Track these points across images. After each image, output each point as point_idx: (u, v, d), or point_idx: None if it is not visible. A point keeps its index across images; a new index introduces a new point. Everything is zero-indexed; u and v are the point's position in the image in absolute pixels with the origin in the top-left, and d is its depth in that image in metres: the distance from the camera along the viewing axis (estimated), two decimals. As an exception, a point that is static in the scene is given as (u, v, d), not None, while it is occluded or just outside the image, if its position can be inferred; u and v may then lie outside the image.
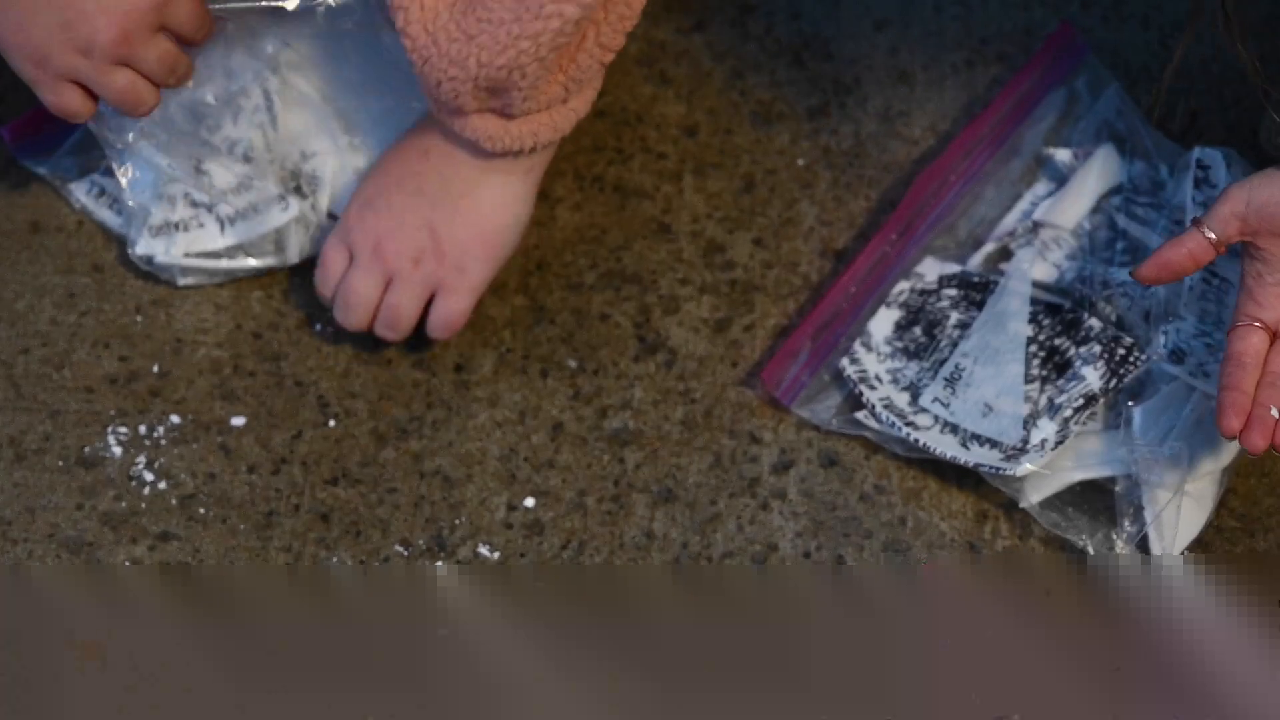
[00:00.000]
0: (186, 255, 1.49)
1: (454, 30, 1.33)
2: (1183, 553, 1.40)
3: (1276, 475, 1.43)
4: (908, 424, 1.42)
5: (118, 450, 1.44)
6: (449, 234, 1.42)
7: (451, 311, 1.43)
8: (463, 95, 1.35)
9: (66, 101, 1.37)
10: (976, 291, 1.47)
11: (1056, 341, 1.44)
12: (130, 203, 1.50)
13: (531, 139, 1.39)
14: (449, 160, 1.42)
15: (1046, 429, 1.40)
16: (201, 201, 1.48)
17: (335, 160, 1.50)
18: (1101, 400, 1.41)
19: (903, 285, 1.48)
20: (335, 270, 1.44)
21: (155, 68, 1.37)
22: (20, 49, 1.35)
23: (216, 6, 1.45)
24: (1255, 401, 1.27)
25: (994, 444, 1.40)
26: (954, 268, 1.49)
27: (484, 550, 1.40)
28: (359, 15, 1.45)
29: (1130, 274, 1.37)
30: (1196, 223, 1.31)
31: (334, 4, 1.45)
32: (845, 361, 1.45)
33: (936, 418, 1.42)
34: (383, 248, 1.42)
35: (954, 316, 1.46)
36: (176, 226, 1.48)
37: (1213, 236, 1.30)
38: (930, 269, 1.49)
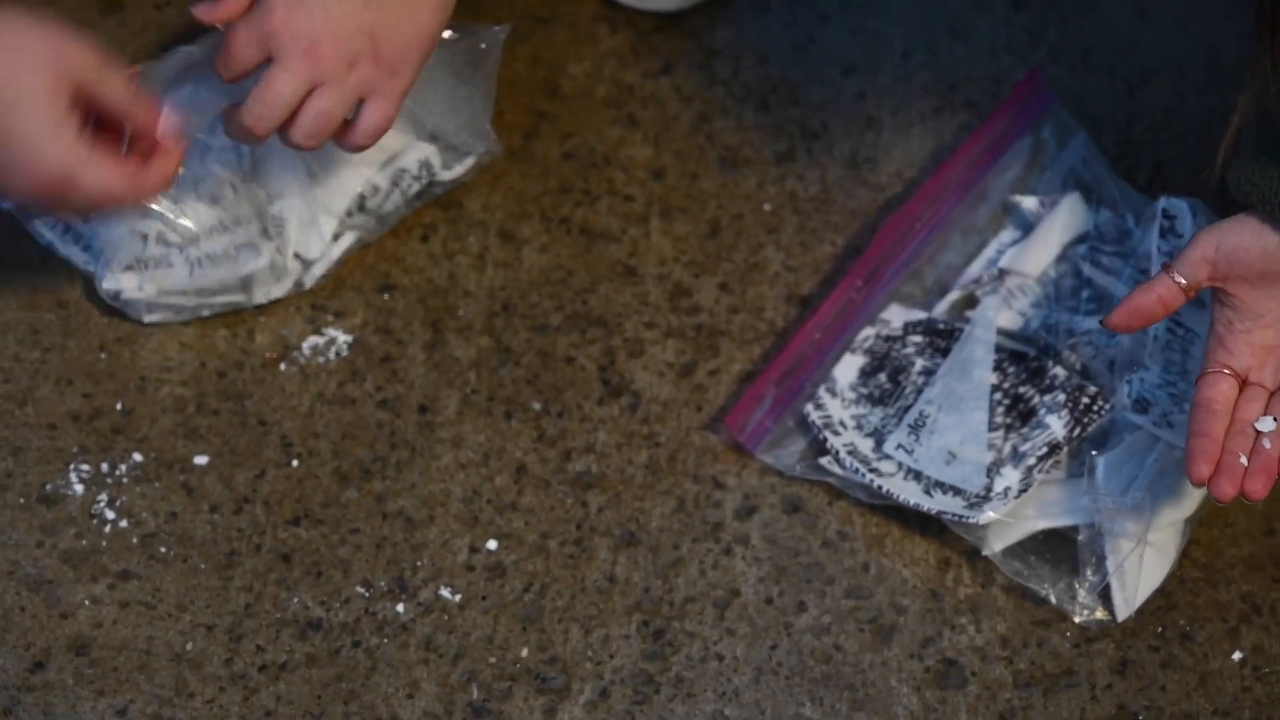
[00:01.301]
0: (153, 294, 1.49)
1: None
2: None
3: (1239, 526, 1.42)
4: (871, 470, 1.41)
5: (79, 488, 1.43)
6: (388, 38, 1.38)
7: (382, 117, 1.41)
8: None
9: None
10: (942, 338, 1.47)
11: (1021, 389, 1.44)
12: (100, 238, 1.49)
13: None
14: None
15: (1010, 477, 1.40)
16: (171, 241, 1.47)
17: (301, 201, 1.49)
18: (1065, 449, 1.41)
19: (868, 331, 1.47)
20: (244, 62, 1.38)
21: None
22: None
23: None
24: (1224, 449, 1.27)
25: (957, 491, 1.40)
26: (919, 314, 1.48)
27: (445, 592, 1.40)
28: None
29: (1101, 321, 1.37)
30: (1166, 268, 1.31)
31: None
32: (810, 407, 1.45)
33: (900, 464, 1.42)
34: (317, 51, 1.37)
35: (919, 363, 1.46)
36: (145, 264, 1.48)
37: (1183, 281, 1.29)
38: (896, 315, 1.48)
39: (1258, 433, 1.28)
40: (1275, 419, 1.28)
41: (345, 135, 1.41)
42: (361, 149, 1.41)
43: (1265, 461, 1.27)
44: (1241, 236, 1.28)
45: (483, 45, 1.50)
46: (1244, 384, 1.30)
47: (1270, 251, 1.27)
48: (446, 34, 1.49)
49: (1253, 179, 1.28)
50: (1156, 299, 1.30)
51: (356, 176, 1.51)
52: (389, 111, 1.40)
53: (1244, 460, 1.27)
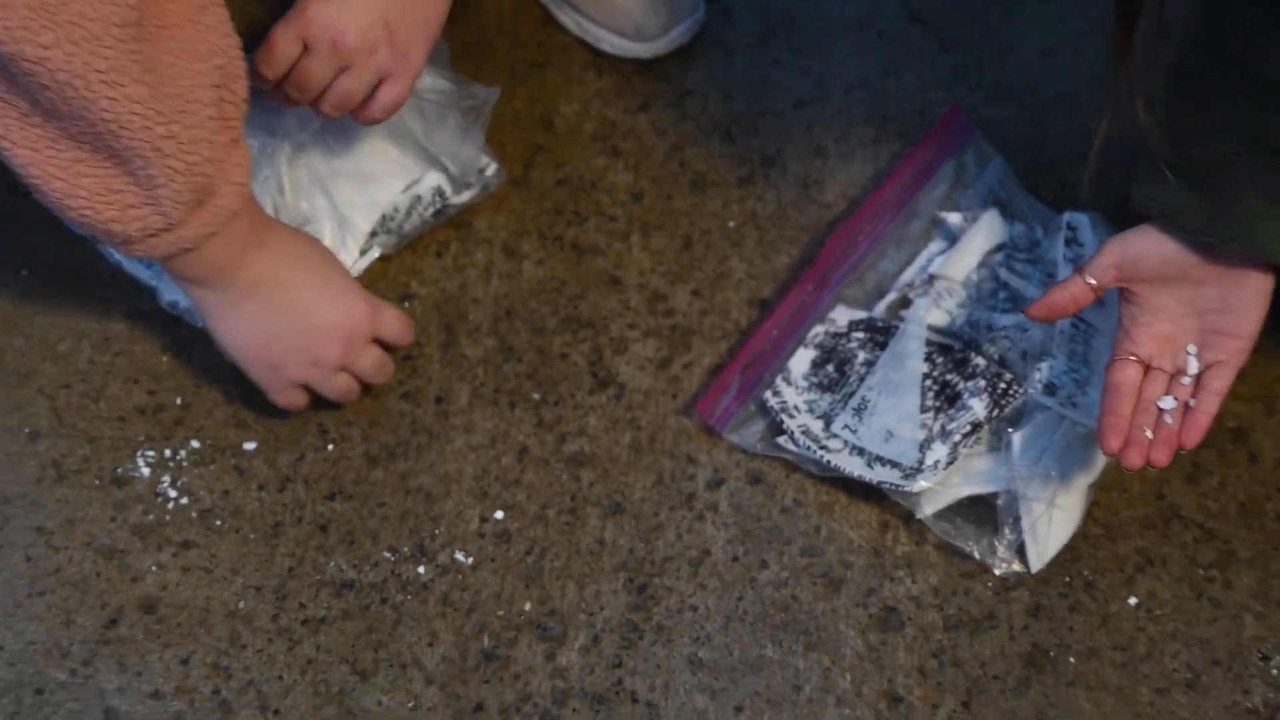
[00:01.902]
0: None
1: None
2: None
3: (1135, 490, 1.44)
4: (822, 448, 1.42)
5: (146, 471, 1.44)
6: (400, 27, 1.38)
7: (397, 94, 1.41)
8: None
9: (294, 400, 1.42)
10: (880, 335, 1.47)
11: (948, 377, 1.44)
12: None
13: None
14: None
15: (939, 451, 1.40)
16: None
17: (332, 221, 1.49)
18: (986, 427, 1.41)
19: (818, 329, 1.48)
20: (285, 55, 1.38)
21: (368, 369, 1.43)
22: (258, 359, 1.39)
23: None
24: (1132, 425, 1.28)
25: (895, 464, 1.41)
26: (862, 314, 1.48)
27: (459, 556, 1.41)
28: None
29: (1023, 310, 1.38)
30: (1079, 270, 1.30)
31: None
32: (769, 394, 1.45)
33: (846, 442, 1.42)
34: (343, 40, 1.36)
35: (861, 356, 1.46)
36: None
37: (1093, 282, 1.29)
38: (841, 315, 1.48)
39: (1160, 410, 1.28)
40: (1175, 398, 1.28)
41: (365, 109, 1.41)
42: (377, 121, 1.42)
43: (1167, 434, 1.27)
44: (1143, 244, 1.28)
45: (481, 101, 1.51)
46: (1148, 369, 1.30)
47: (1167, 256, 1.27)
48: (449, 88, 1.50)
49: (1152, 195, 1.27)
50: (1069, 296, 1.30)
51: (380, 200, 1.51)
52: (403, 90, 1.40)
53: (1149, 434, 1.27)
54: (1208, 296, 1.28)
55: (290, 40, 1.37)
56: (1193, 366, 1.29)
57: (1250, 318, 1.27)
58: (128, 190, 1.25)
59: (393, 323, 1.43)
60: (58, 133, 1.21)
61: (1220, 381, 1.28)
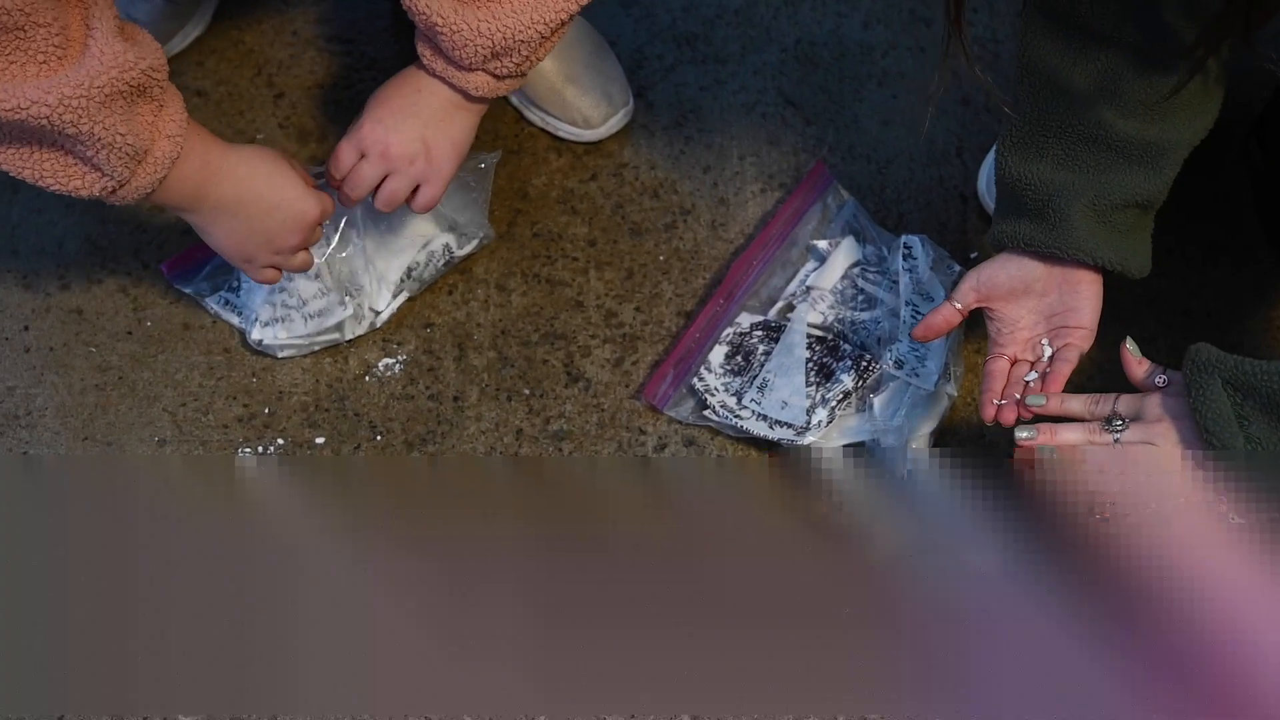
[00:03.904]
0: (284, 338, 1.48)
1: (483, 14, 1.28)
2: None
3: (962, 434, 1.43)
4: (736, 416, 1.42)
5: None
6: (435, 145, 1.36)
7: (431, 196, 1.38)
8: (475, 59, 1.31)
9: (268, 277, 1.39)
10: (774, 332, 1.47)
11: (824, 360, 1.44)
12: (248, 307, 1.49)
13: (504, 91, 1.35)
14: (437, 96, 1.35)
15: (821, 414, 1.41)
16: (291, 305, 1.47)
17: (370, 275, 1.48)
18: (854, 395, 1.42)
19: (729, 331, 1.47)
20: (347, 163, 1.37)
21: (315, 244, 1.40)
22: (236, 255, 1.37)
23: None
24: (1003, 395, 1.26)
25: (789, 425, 1.41)
26: (760, 318, 1.48)
27: None
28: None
29: (910, 334, 1.34)
30: (948, 298, 1.28)
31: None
32: (695, 380, 1.45)
33: (754, 412, 1.42)
34: (390, 152, 1.35)
35: (761, 348, 1.46)
36: (277, 321, 1.47)
37: (959, 306, 1.28)
38: (745, 320, 1.48)
39: (1026, 384, 1.26)
40: (1035, 373, 1.26)
41: (409, 205, 1.40)
42: (421, 212, 1.40)
43: (1029, 392, 1.24)
44: (994, 269, 1.26)
45: (483, 165, 1.51)
46: (1013, 362, 1.28)
47: (1014, 275, 1.25)
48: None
49: (1003, 230, 1.25)
50: (942, 319, 1.29)
51: (405, 257, 1.50)
52: (436, 193, 1.39)
53: (1018, 398, 1.25)
54: (1052, 303, 1.26)
55: (350, 151, 1.37)
56: (1047, 353, 1.27)
57: (1088, 312, 1.25)
58: (78, 165, 1.22)
59: (329, 206, 1.38)
60: (18, 133, 1.18)
61: (1069, 354, 1.25)
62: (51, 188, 1.24)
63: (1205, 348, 1.15)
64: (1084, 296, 1.25)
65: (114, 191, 1.25)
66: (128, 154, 1.22)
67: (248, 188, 1.32)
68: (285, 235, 1.36)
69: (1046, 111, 1.24)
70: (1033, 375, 1.26)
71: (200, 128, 1.30)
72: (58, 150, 1.21)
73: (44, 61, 1.15)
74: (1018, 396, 1.25)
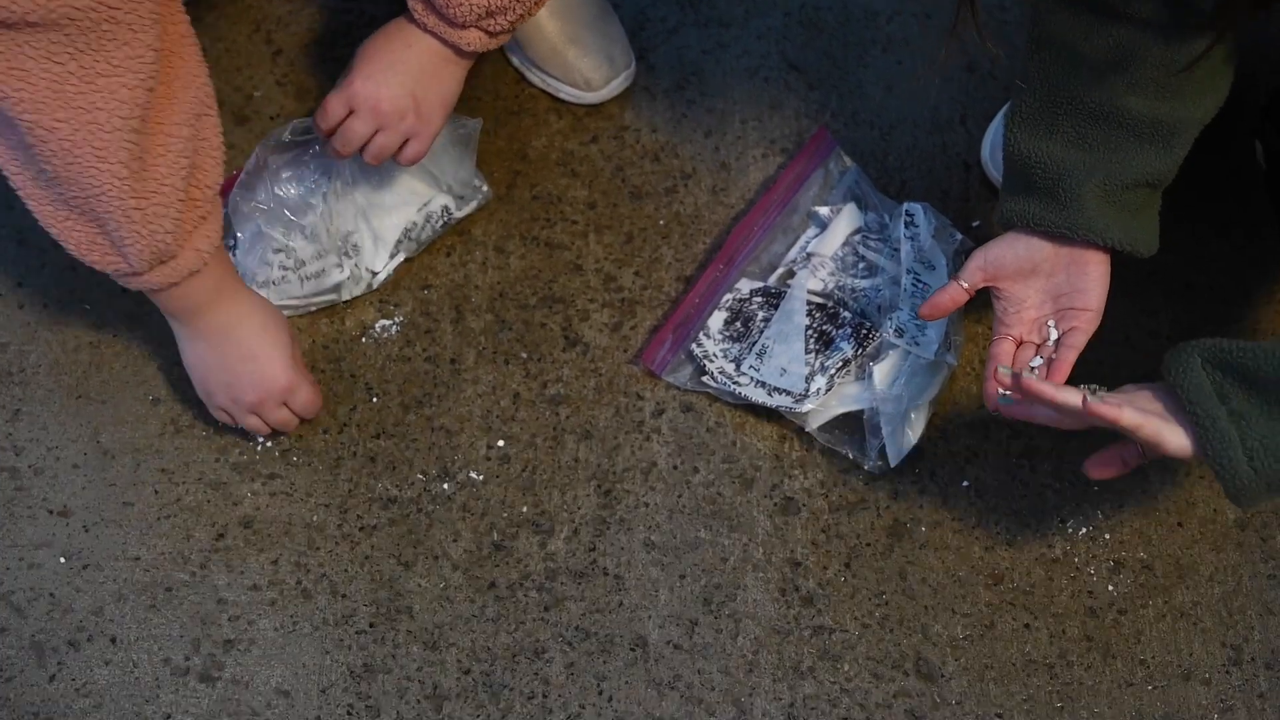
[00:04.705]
0: (281, 299, 1.47)
1: None
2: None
3: (962, 404, 1.44)
4: (735, 383, 1.42)
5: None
6: (424, 99, 1.36)
7: (418, 150, 1.38)
8: (469, 16, 1.31)
9: (222, 418, 1.39)
10: (774, 299, 1.46)
11: (824, 327, 1.44)
12: (245, 268, 1.46)
13: (495, 46, 1.35)
14: (426, 52, 1.34)
15: (820, 382, 1.41)
16: (288, 265, 1.45)
17: (368, 235, 1.48)
18: (853, 362, 1.42)
19: (728, 296, 1.47)
20: (335, 115, 1.37)
21: (276, 422, 1.39)
22: (199, 383, 1.37)
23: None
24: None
25: (788, 393, 1.41)
26: (759, 284, 1.48)
27: (473, 475, 1.41)
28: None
29: (917, 312, 1.32)
30: (955, 277, 1.27)
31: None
32: (694, 345, 1.45)
33: (752, 378, 1.42)
34: (380, 107, 1.35)
35: (760, 315, 1.46)
36: (274, 282, 1.46)
37: (965, 285, 1.27)
38: (745, 286, 1.48)
39: (1031, 368, 1.25)
40: (1041, 358, 1.25)
41: (396, 159, 1.39)
42: (407, 165, 1.40)
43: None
44: (1001, 249, 1.25)
45: (470, 130, 1.50)
46: (1020, 344, 1.27)
47: (1022, 255, 1.24)
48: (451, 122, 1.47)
49: (1011, 209, 1.24)
50: (949, 298, 1.28)
51: (402, 217, 1.49)
52: (423, 148, 1.39)
53: (1023, 374, 1.20)
54: (1059, 283, 1.25)
55: (339, 104, 1.37)
56: (1053, 335, 1.26)
57: (1095, 294, 1.24)
58: (104, 243, 1.24)
59: (303, 398, 1.38)
60: (56, 196, 1.20)
61: (1075, 340, 1.24)
62: (69, 250, 1.26)
63: (1186, 342, 1.17)
64: (1092, 278, 1.24)
65: (125, 276, 1.28)
66: (156, 253, 1.25)
67: (236, 328, 1.34)
68: (246, 389, 1.36)
69: (1057, 87, 1.23)
70: (1038, 361, 1.26)
71: (226, 255, 1.33)
72: (92, 224, 1.23)
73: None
74: (1024, 374, 1.23)
